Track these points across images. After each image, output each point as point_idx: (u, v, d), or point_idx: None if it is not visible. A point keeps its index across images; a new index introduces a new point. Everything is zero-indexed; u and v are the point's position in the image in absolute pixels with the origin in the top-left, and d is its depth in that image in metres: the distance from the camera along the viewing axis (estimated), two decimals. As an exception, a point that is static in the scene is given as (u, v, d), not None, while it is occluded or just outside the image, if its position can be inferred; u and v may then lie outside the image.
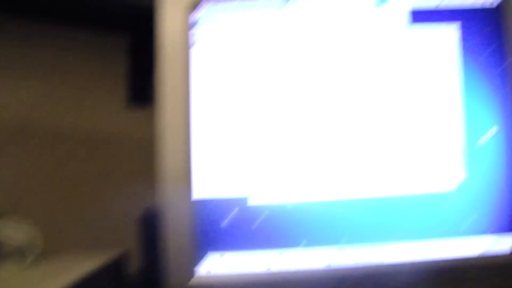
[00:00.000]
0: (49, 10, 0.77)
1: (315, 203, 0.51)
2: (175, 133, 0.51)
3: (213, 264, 0.51)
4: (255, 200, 0.51)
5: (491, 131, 0.51)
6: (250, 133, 0.51)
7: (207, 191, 0.51)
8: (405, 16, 0.52)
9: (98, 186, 0.76)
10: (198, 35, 0.52)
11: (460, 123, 0.51)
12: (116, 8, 0.77)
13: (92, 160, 0.78)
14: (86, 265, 0.56)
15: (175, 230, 0.51)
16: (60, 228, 0.70)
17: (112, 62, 0.82)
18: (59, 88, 0.78)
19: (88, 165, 0.78)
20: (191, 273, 0.50)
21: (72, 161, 0.77)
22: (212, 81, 0.52)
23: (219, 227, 0.51)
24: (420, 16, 0.52)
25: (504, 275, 0.51)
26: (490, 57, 0.52)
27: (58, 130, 0.77)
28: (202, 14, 0.52)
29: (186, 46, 0.51)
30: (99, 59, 0.81)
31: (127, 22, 0.78)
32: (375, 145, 0.51)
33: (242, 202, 0.51)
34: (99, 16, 0.79)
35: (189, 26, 0.52)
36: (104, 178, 0.77)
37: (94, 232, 0.72)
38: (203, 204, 0.51)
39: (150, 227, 0.62)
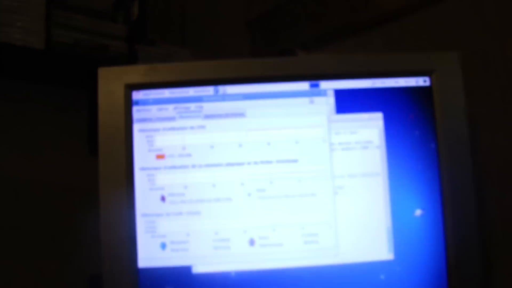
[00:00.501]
0: (8, 65, 0.78)
1: (257, 271, 0.52)
2: (117, 199, 0.52)
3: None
4: (199, 268, 0.52)
5: (417, 212, 0.54)
6: (191, 203, 0.53)
7: (151, 259, 0.52)
8: (333, 106, 0.56)
9: (56, 239, 0.76)
10: (135, 113, 0.55)
11: (386, 204, 0.54)
12: (77, 65, 0.79)
13: (50, 211, 0.78)
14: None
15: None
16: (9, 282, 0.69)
17: (74, 113, 0.83)
18: (19, 140, 0.79)
19: (47, 216, 0.78)
20: None
21: (31, 212, 0.77)
22: (150, 156, 0.54)
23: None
24: (347, 104, 0.56)
25: None
26: (417, 139, 0.55)
27: (17, 181, 0.77)
28: (140, 96, 0.55)
29: (124, 123, 0.53)
30: (60, 111, 0.82)
31: (87, 76, 0.80)
32: (312, 220, 0.54)
33: (186, 271, 0.52)
34: (62, 71, 0.80)
35: (128, 102, 0.54)
36: (62, 229, 0.77)
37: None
38: (146, 272, 0.52)
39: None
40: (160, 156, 0.54)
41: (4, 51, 0.74)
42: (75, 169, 0.82)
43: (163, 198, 0.53)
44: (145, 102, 0.55)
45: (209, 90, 0.55)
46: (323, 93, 0.56)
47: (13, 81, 0.80)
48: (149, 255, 0.52)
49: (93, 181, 0.77)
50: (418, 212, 0.54)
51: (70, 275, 0.72)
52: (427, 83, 0.56)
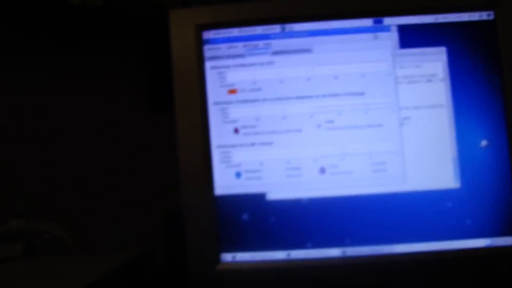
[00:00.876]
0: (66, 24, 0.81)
1: (327, 198, 0.55)
2: (193, 132, 0.55)
3: (232, 256, 0.55)
4: (272, 195, 0.55)
5: (483, 143, 0.55)
6: (263, 134, 0.56)
7: (227, 187, 0.55)
8: (397, 41, 0.57)
9: (120, 185, 0.80)
10: (206, 51, 0.57)
11: (452, 134, 0.55)
12: (137, 16, 0.81)
13: (115, 163, 0.82)
14: (109, 263, 0.59)
15: (197, 225, 0.55)
16: (83, 229, 0.74)
17: (132, 71, 0.86)
18: (83, 93, 0.82)
19: (112, 167, 0.81)
20: (214, 264, 0.55)
21: (96, 163, 0.81)
22: (223, 92, 0.57)
23: (237, 223, 0.55)
24: (410, 39, 0.57)
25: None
26: (482, 71, 0.56)
27: (82, 134, 0.81)
28: (210, 35, 0.57)
29: (197, 61, 0.56)
30: (122, 65, 0.85)
31: (147, 29, 0.83)
32: (379, 149, 0.56)
33: (260, 198, 0.55)
34: (122, 23, 0.83)
35: (199, 42, 0.57)
36: (127, 178, 0.81)
37: (119, 231, 0.77)
38: (223, 200, 0.55)
39: (173, 225, 0.66)
40: (232, 91, 0.56)
41: (61, 9, 0.78)
42: (136, 126, 0.85)
43: (236, 130, 0.56)
44: (215, 41, 0.57)
45: (276, 28, 0.57)
46: (386, 29, 0.57)
47: (70, 39, 0.83)
48: (225, 183, 0.55)
49: (155, 137, 0.81)
50: (483, 142, 0.55)
51: (145, 213, 0.77)
52: (491, 17, 0.57)
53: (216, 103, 0.56)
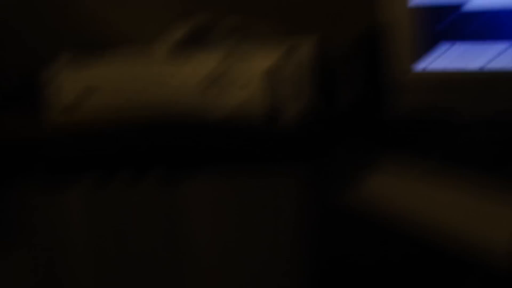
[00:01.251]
0: None
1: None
2: None
3: (425, 64, 0.58)
4: (469, 5, 0.57)
5: None
6: None
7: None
8: None
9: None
10: None
11: None
12: None
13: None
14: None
15: (394, 34, 0.58)
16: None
17: None
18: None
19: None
20: (407, 72, 0.58)
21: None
22: None
23: (432, 32, 0.58)
24: None
25: None
26: None
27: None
28: None
29: None
30: None
31: None
32: None
33: (454, 9, 0.57)
34: None
35: None
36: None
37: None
38: (419, 11, 0.58)
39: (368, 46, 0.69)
40: None
41: None
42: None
43: None
44: None
45: None
46: None
47: None
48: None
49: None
50: None
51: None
52: None
53: None
